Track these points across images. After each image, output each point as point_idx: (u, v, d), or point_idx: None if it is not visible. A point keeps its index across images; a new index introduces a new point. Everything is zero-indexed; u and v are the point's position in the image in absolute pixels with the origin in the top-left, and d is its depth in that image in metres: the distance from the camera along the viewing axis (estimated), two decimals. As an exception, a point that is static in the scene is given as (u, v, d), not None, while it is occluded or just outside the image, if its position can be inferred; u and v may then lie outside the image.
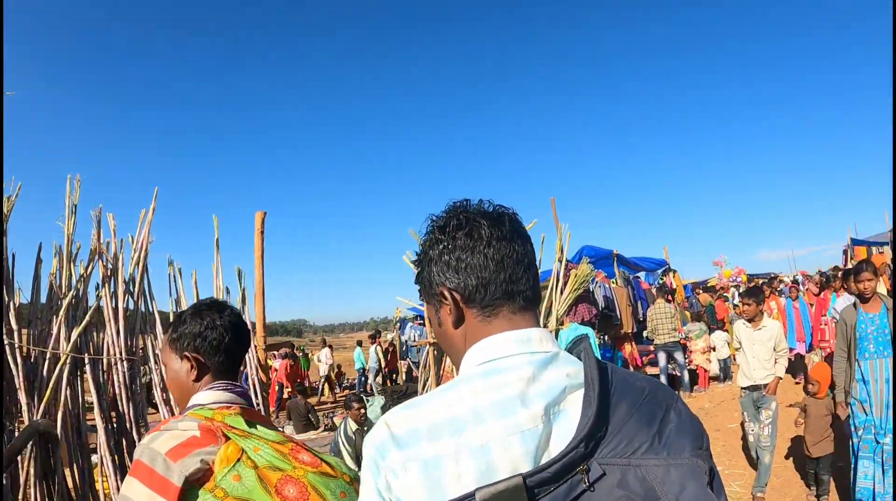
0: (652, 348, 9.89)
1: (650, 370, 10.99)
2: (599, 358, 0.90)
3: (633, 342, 9.75)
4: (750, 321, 5.12)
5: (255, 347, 4.10)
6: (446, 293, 0.93)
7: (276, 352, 15.23)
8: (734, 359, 8.39)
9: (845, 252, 20.15)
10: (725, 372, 10.37)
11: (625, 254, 10.55)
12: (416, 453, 0.79)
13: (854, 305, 4.28)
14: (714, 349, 10.23)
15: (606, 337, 10.00)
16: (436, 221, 0.98)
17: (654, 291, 11.70)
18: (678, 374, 9.95)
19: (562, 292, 8.42)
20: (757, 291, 5.59)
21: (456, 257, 0.92)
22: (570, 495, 0.74)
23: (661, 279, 12.74)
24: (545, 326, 8.73)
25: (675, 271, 13.04)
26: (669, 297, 12.48)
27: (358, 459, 5.53)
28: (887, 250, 15.43)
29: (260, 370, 6.21)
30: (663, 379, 9.79)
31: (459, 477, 0.76)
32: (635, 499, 0.74)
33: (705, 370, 10.30)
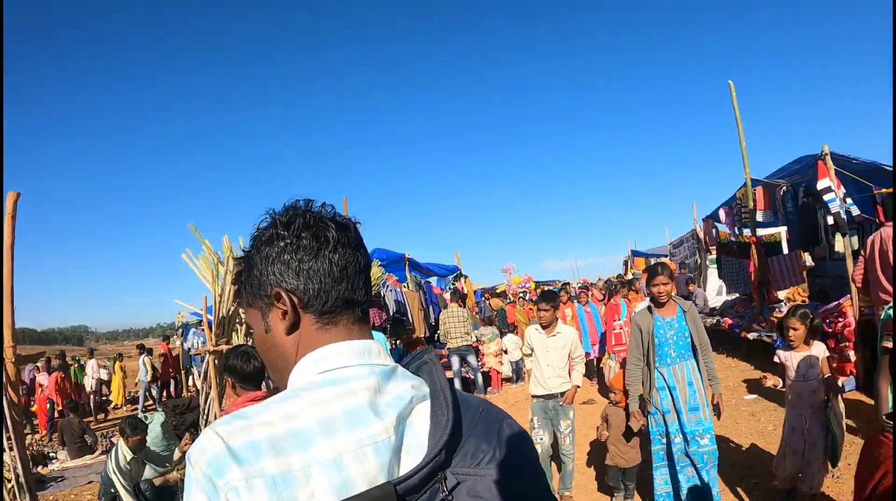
0: (445, 352, 9.63)
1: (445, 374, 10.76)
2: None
3: (426, 346, 9.40)
4: (545, 327, 4.66)
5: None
6: (283, 296, 0.88)
7: (39, 364, 13.07)
8: (525, 363, 8.44)
9: (626, 263, 22.91)
10: (518, 374, 10.53)
11: (417, 259, 10.21)
12: (259, 469, 0.72)
13: (648, 309, 4.02)
14: (506, 352, 10.33)
15: (399, 342, 9.50)
16: (278, 216, 0.93)
17: (446, 296, 11.59)
18: (472, 377, 9.83)
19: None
20: (553, 295, 5.01)
21: (299, 258, 0.88)
22: None
23: (453, 284, 12.74)
24: None
25: (466, 277, 13.15)
26: (461, 302, 12.51)
27: (136, 492, 4.93)
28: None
29: (9, 388, 4.68)
30: (457, 383, 9.57)
31: (313, 494, 0.72)
32: None
33: (498, 372, 10.35)
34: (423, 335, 9.09)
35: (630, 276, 21.77)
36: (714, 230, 12.58)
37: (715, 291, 13.27)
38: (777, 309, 9.37)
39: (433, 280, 12.59)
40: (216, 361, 5.76)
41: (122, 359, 15.51)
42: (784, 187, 8.68)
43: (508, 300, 14.27)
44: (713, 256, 13.48)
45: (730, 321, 10.26)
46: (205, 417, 5.95)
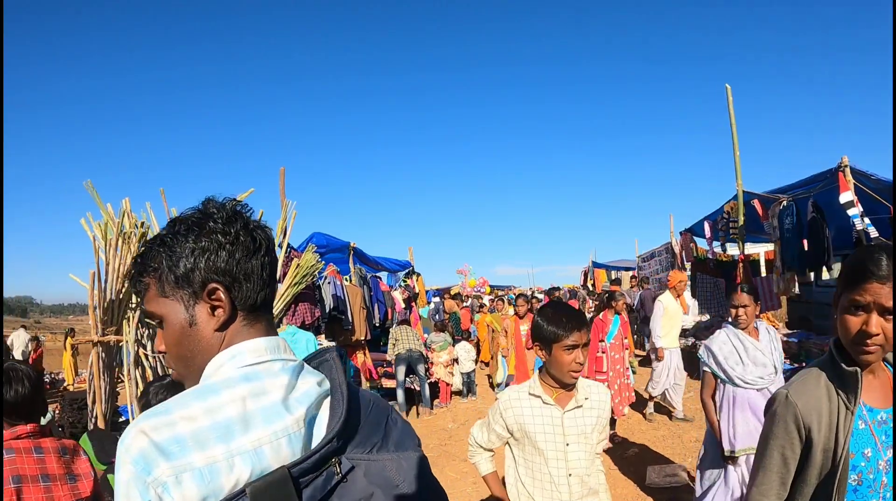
0: (388, 357, 8.45)
1: (387, 383, 9.55)
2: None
3: (367, 351, 8.18)
4: (563, 385, 4.01)
5: None
6: (221, 292, 0.92)
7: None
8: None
9: (585, 273, 22.32)
10: (469, 387, 9.43)
11: (364, 250, 8.98)
12: (187, 463, 0.77)
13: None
14: (457, 362, 9.23)
15: (335, 343, 8.26)
16: (216, 211, 0.95)
17: (395, 294, 10.39)
18: (417, 388, 8.68)
19: (279, 285, 6.45)
20: (579, 318, 4.20)
21: (238, 257, 0.92)
22: (328, 485, 0.84)
23: (404, 281, 11.56)
24: None
25: (418, 274, 11.99)
26: (413, 303, 11.34)
27: None
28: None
29: None
30: (400, 394, 8.42)
31: (237, 482, 0.79)
32: (378, 487, 0.88)
33: (447, 385, 9.25)
34: (363, 337, 7.88)
35: (588, 288, 21.13)
36: (692, 245, 11.82)
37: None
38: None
39: (382, 276, 11.39)
40: (104, 355, 4.46)
41: (74, 335, 13.69)
42: (784, 202, 7.91)
43: (464, 304, 13.15)
44: (688, 272, 12.76)
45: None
46: (92, 419, 4.68)
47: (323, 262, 6.38)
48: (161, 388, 2.11)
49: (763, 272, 13.24)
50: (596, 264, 21.38)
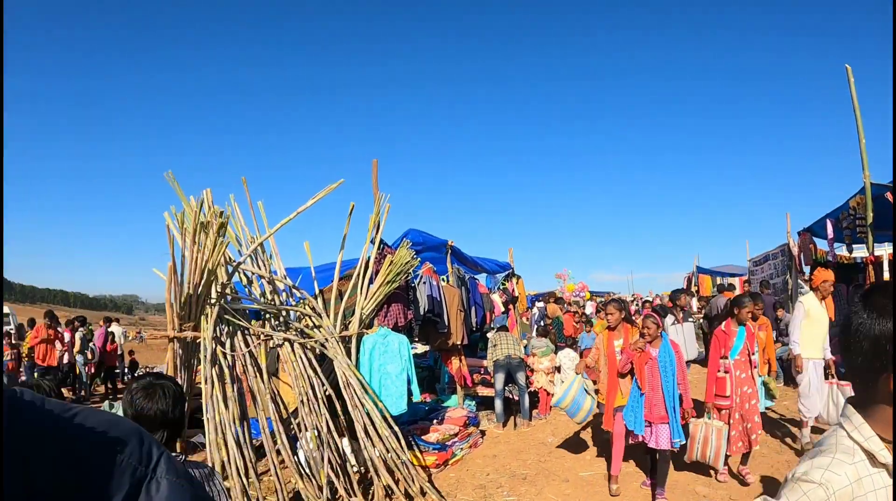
0: (486, 364, 8.06)
1: (483, 391, 9.16)
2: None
3: (464, 357, 7.83)
4: None
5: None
6: None
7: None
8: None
9: (688, 279, 20.95)
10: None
11: (463, 249, 8.64)
12: None
13: None
14: (559, 370, 8.67)
15: (430, 348, 8.00)
16: None
17: (494, 297, 9.99)
18: (515, 397, 8.22)
19: (371, 284, 6.26)
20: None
21: None
22: None
23: (503, 284, 11.12)
24: (346, 327, 5.90)
25: (519, 277, 11.50)
26: (512, 307, 10.89)
27: None
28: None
29: None
30: (498, 404, 8.00)
31: None
32: None
33: (548, 394, 8.71)
34: (460, 342, 7.55)
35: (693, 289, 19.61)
36: (812, 246, 10.48)
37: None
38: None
39: (481, 278, 11.03)
40: (180, 352, 4.41)
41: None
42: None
43: (566, 309, 12.48)
44: (807, 276, 11.36)
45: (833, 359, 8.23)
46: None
47: (418, 260, 6.07)
48: (140, 388, 2.02)
49: (887, 276, 11.56)
50: (700, 270, 19.88)
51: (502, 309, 9.93)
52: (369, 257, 5.94)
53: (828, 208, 9.50)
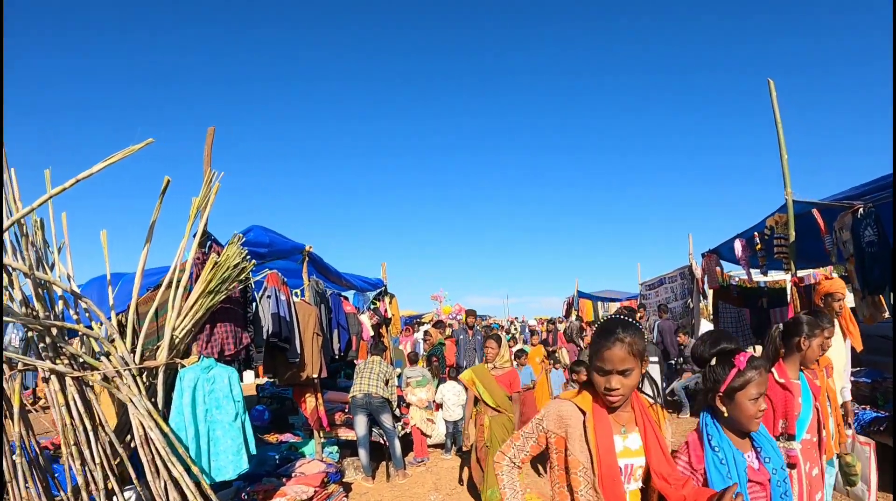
0: (349, 397, 6.57)
1: (348, 434, 7.58)
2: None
3: (320, 394, 6.24)
4: None
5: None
6: None
7: None
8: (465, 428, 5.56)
9: (568, 304, 20.68)
10: (454, 438, 7.53)
11: (324, 258, 7.07)
12: None
13: None
14: (441, 407, 7.34)
15: (276, 382, 6.37)
16: None
17: (362, 317, 8.50)
18: (385, 442, 6.75)
19: (188, 295, 4.53)
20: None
21: None
22: None
23: (374, 304, 9.67)
24: (153, 357, 4.18)
25: (392, 296, 10.10)
26: (384, 330, 9.48)
27: None
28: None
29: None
30: (363, 454, 6.50)
31: None
32: None
33: (424, 435, 7.35)
34: (317, 375, 5.96)
35: (573, 316, 19.43)
36: (718, 269, 10.19)
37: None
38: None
39: (349, 295, 9.51)
40: None
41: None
42: (860, 209, 6.33)
43: (448, 334, 11.14)
44: (708, 300, 11.12)
45: (849, 402, 7.76)
46: None
47: (252, 262, 4.50)
48: None
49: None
50: (581, 294, 19.70)
51: (371, 333, 8.48)
52: (191, 258, 4.27)
53: (727, 229, 9.17)
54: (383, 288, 9.91)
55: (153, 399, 4.05)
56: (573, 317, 18.18)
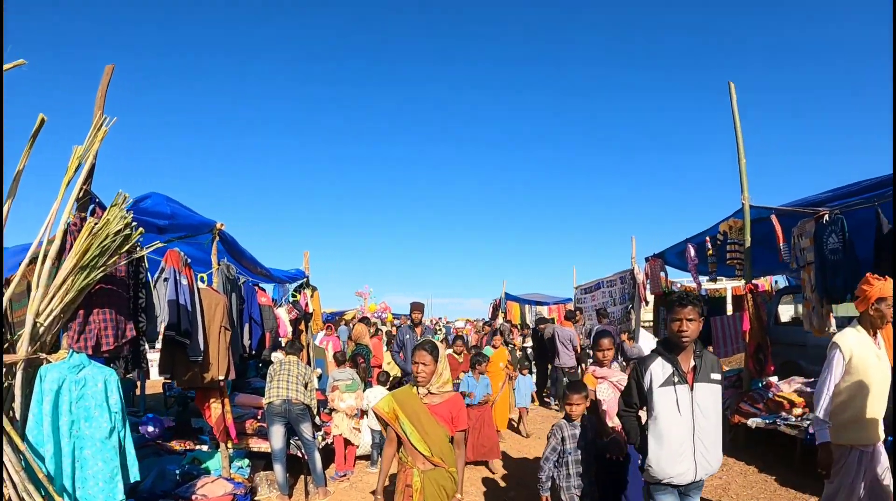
0: (265, 401, 5.65)
1: (260, 444, 6.60)
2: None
3: (227, 399, 5.30)
4: None
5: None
6: None
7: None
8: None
9: (495, 307, 20.30)
10: (381, 449, 6.76)
11: (240, 241, 6.10)
12: None
13: None
14: (367, 414, 6.54)
15: (175, 383, 5.38)
16: None
17: (279, 311, 7.56)
18: (304, 456, 5.87)
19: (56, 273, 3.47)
20: None
21: None
22: None
23: (294, 296, 8.72)
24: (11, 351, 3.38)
25: (314, 289, 9.18)
26: (304, 326, 8.58)
27: None
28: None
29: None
30: (278, 469, 5.61)
31: None
32: None
33: (348, 444, 6.52)
34: (223, 377, 5.02)
35: (500, 318, 19.14)
36: (663, 274, 9.94)
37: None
38: (775, 386, 6.69)
39: (269, 288, 8.53)
40: None
41: None
42: (825, 216, 6.08)
43: (373, 332, 10.22)
44: (649, 305, 10.88)
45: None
46: None
47: (140, 230, 3.57)
48: None
49: (729, 311, 11.71)
50: (509, 296, 19.36)
51: (289, 329, 7.55)
52: (64, 223, 3.29)
53: (666, 234, 8.90)
54: (305, 280, 8.97)
55: (8, 407, 3.07)
56: (500, 319, 17.77)
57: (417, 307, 7.34)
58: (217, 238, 5.45)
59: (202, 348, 4.80)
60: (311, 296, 9.02)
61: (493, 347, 8.14)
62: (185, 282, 4.67)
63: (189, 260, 4.89)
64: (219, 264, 5.56)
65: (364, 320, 9.35)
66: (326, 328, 11.09)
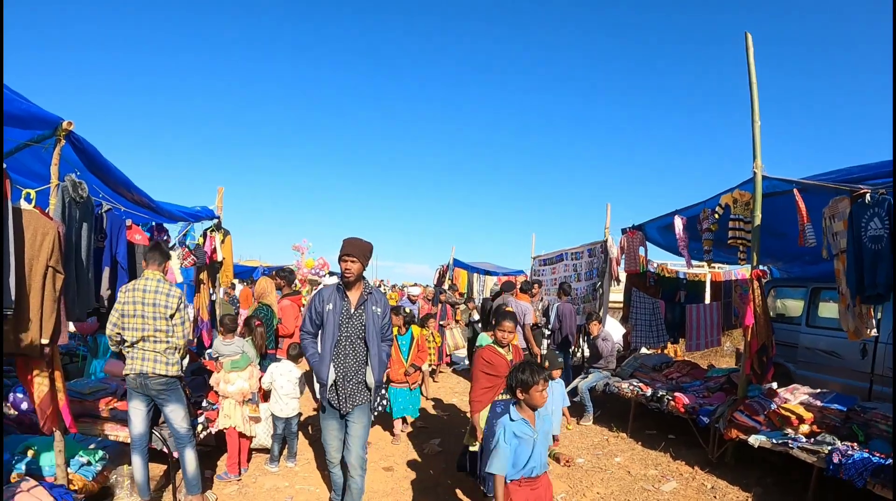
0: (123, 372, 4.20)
1: (113, 430, 5.11)
2: None
3: (59, 371, 3.81)
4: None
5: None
6: None
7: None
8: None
9: (441, 273, 19.07)
10: (289, 443, 5.43)
11: (110, 158, 4.48)
12: None
13: None
14: (267, 397, 5.16)
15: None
16: None
17: (167, 261, 6.03)
18: (170, 452, 4.45)
19: None
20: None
21: None
22: None
23: (197, 241, 7.16)
24: None
25: (226, 233, 7.60)
26: (204, 277, 7.11)
27: None
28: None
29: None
30: (137, 463, 4.21)
31: None
32: None
33: (244, 437, 5.11)
34: (46, 340, 3.52)
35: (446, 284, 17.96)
36: (643, 250, 8.79)
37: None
38: (780, 397, 5.68)
39: (174, 230, 6.93)
40: None
41: None
42: (866, 195, 4.96)
43: (307, 290, 8.59)
44: (619, 285, 9.77)
45: (685, 400, 6.30)
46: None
47: None
48: None
49: (708, 299, 10.74)
50: (458, 263, 18.17)
51: (178, 278, 6.03)
52: None
53: (643, 206, 7.66)
54: (216, 221, 7.39)
55: None
56: (446, 285, 16.60)
57: (355, 251, 3.90)
58: (62, 142, 3.87)
59: (13, 297, 3.31)
60: (222, 242, 7.46)
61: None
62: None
63: (5, 169, 3.34)
64: (63, 181, 3.99)
65: (282, 272, 7.68)
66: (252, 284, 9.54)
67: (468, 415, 4.70)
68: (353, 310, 3.92)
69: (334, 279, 6.10)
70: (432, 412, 8.11)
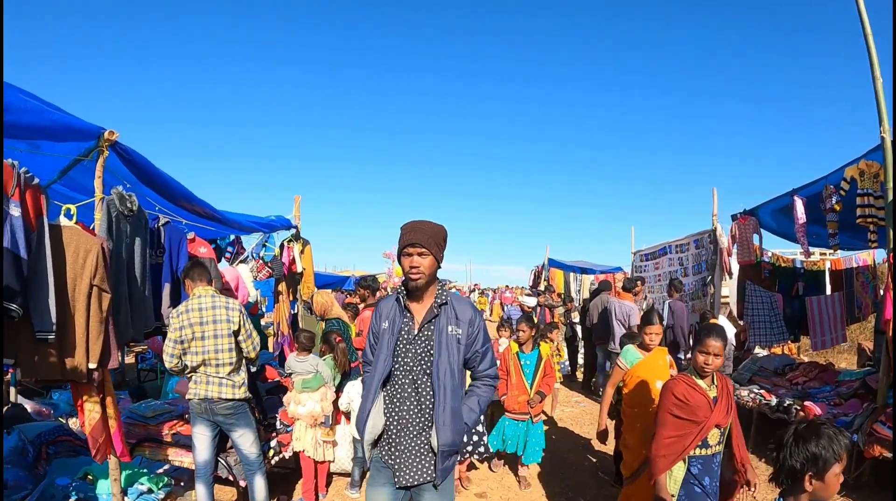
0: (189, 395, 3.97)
1: (177, 456, 4.91)
2: None
3: (112, 397, 3.59)
4: None
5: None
6: None
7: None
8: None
9: (536, 274, 18.53)
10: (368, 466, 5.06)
11: (151, 160, 4.25)
12: None
13: None
14: (348, 417, 4.78)
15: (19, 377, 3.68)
16: None
17: (243, 270, 5.83)
18: (239, 480, 4.17)
19: None
20: None
21: None
22: None
23: (274, 251, 6.98)
24: None
25: (306, 243, 7.40)
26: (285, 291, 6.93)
27: None
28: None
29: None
30: (201, 491, 3.95)
31: None
32: None
33: (319, 464, 4.76)
34: (94, 365, 3.30)
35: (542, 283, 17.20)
36: (757, 238, 7.78)
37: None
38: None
39: (251, 241, 6.80)
40: None
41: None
42: None
43: (375, 300, 8.26)
44: (731, 279, 8.73)
45: (817, 410, 5.38)
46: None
47: None
48: None
49: (829, 290, 9.41)
50: (553, 263, 17.37)
51: (251, 292, 5.82)
52: None
53: (754, 193, 6.61)
54: (294, 230, 7.21)
55: None
56: (542, 287, 15.96)
57: (423, 239, 2.61)
58: (105, 154, 3.66)
59: (54, 320, 3.09)
60: (301, 252, 7.26)
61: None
62: (17, 213, 2.94)
63: (36, 179, 3.15)
64: (110, 194, 3.79)
65: (364, 281, 7.24)
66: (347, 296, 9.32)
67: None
68: (415, 331, 2.63)
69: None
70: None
